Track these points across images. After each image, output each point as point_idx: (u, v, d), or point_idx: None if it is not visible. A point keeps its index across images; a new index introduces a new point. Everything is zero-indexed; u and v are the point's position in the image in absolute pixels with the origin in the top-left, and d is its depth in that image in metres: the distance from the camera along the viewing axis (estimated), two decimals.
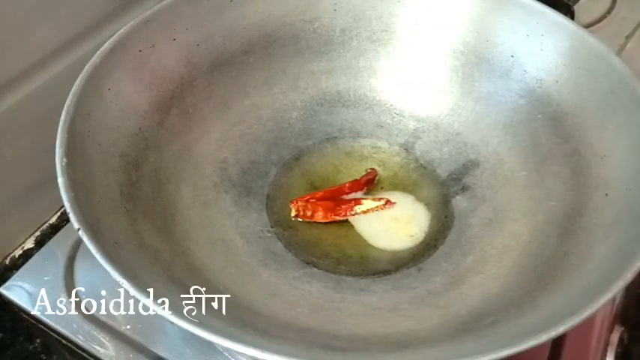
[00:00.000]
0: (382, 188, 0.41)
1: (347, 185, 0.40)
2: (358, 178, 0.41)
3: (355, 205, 0.39)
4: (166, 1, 0.38)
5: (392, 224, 0.39)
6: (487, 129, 0.41)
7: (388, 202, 0.39)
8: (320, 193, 0.39)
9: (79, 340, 0.37)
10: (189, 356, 0.37)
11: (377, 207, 0.39)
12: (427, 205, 0.40)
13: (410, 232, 0.38)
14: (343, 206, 0.39)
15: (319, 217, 0.38)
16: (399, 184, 0.41)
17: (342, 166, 0.42)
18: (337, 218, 0.39)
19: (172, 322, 0.25)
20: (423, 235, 0.38)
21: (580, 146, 0.37)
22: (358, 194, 0.40)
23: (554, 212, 0.36)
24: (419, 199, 0.40)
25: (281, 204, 0.39)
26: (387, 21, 0.43)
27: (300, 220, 0.38)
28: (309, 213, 0.38)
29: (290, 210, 0.39)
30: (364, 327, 0.33)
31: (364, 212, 0.39)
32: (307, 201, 0.39)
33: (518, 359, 0.25)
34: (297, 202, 0.39)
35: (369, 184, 0.40)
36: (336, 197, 0.39)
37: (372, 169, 0.41)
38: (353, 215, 0.39)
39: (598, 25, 0.59)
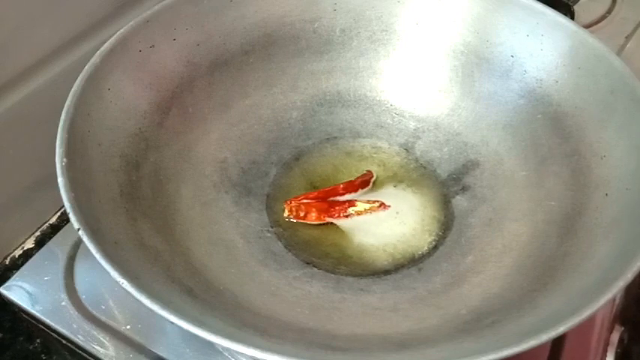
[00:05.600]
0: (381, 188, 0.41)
1: (341, 186, 0.40)
2: (353, 179, 0.41)
3: (349, 206, 0.39)
4: (166, 1, 0.38)
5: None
6: (487, 129, 0.41)
7: (382, 204, 0.39)
8: (314, 194, 0.39)
9: (79, 340, 0.37)
10: (189, 356, 0.37)
11: (370, 209, 0.39)
12: (426, 204, 0.40)
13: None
14: (337, 207, 0.39)
15: (312, 218, 0.38)
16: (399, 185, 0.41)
17: (342, 166, 0.42)
18: (330, 220, 0.39)
19: (172, 322, 0.25)
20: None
21: (580, 146, 0.37)
22: (352, 195, 0.40)
23: (554, 212, 0.36)
24: (418, 198, 0.40)
25: (281, 204, 0.39)
26: (387, 21, 0.43)
27: (294, 220, 0.38)
28: (302, 214, 0.38)
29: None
30: (364, 327, 0.32)
31: (358, 214, 0.39)
32: (301, 201, 0.39)
33: (518, 359, 0.25)
34: (290, 203, 0.39)
35: (364, 185, 0.40)
36: (330, 198, 0.39)
37: (368, 170, 0.41)
38: (346, 217, 0.39)
39: (598, 25, 0.59)
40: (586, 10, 0.60)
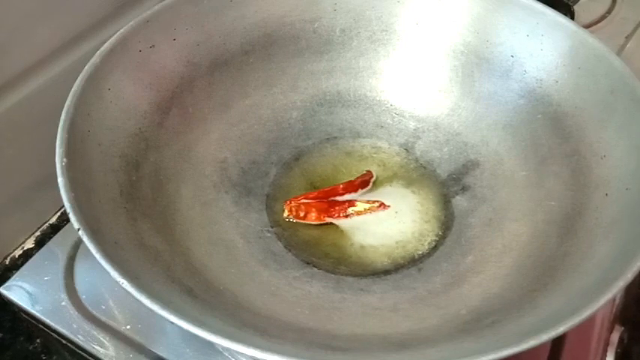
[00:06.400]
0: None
1: (341, 186, 0.40)
2: (353, 179, 0.41)
3: (349, 206, 0.39)
4: (166, 1, 0.38)
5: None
6: (487, 129, 0.41)
7: (382, 204, 0.39)
8: (314, 194, 0.39)
9: (79, 340, 0.37)
10: (189, 356, 0.37)
11: (370, 209, 0.39)
12: (426, 204, 0.40)
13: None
14: (337, 207, 0.39)
15: (312, 218, 0.38)
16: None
17: (342, 166, 0.42)
18: (330, 220, 0.39)
19: (172, 322, 0.25)
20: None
21: (580, 146, 0.37)
22: (352, 195, 0.40)
23: (554, 212, 0.36)
24: (418, 198, 0.40)
25: (281, 204, 0.39)
26: (387, 21, 0.43)
27: (294, 220, 0.38)
28: (302, 214, 0.38)
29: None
30: (364, 327, 0.32)
31: (358, 214, 0.39)
32: (300, 201, 0.39)
33: (518, 359, 0.25)
34: (290, 203, 0.39)
35: (364, 185, 0.40)
36: (330, 198, 0.39)
37: (368, 170, 0.41)
38: (346, 217, 0.39)
39: (598, 25, 0.59)
40: (586, 10, 0.60)
